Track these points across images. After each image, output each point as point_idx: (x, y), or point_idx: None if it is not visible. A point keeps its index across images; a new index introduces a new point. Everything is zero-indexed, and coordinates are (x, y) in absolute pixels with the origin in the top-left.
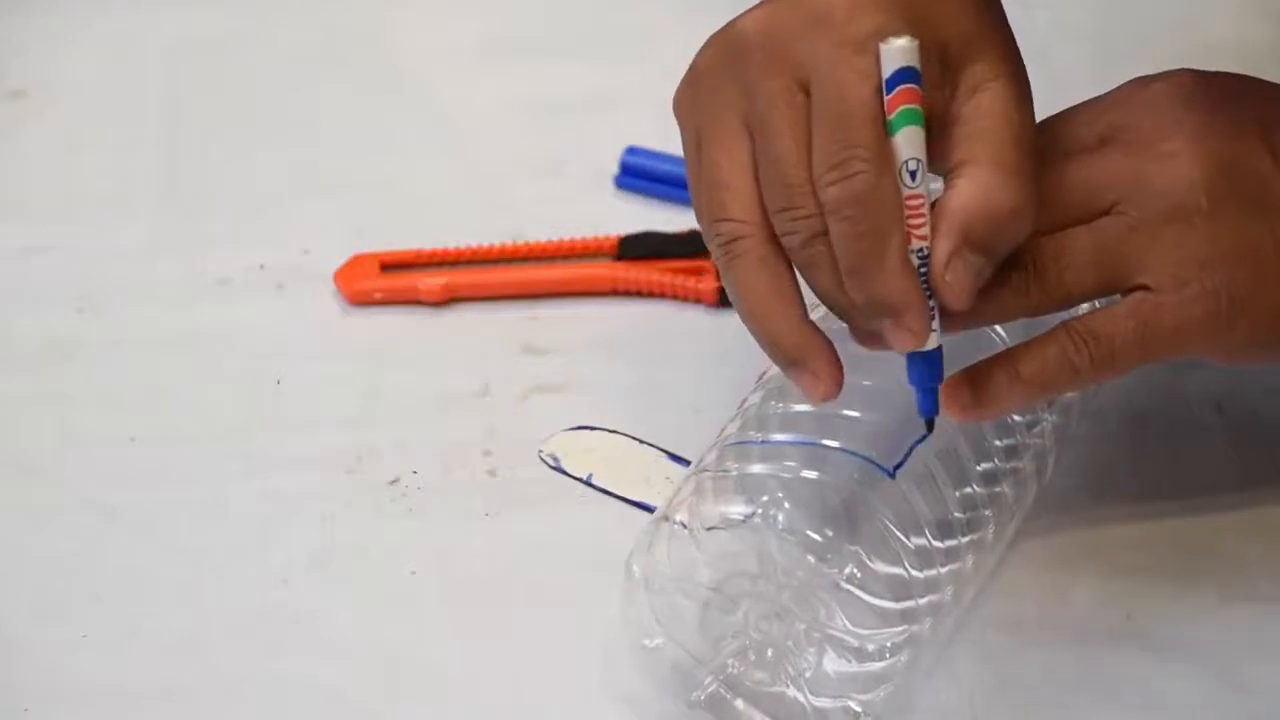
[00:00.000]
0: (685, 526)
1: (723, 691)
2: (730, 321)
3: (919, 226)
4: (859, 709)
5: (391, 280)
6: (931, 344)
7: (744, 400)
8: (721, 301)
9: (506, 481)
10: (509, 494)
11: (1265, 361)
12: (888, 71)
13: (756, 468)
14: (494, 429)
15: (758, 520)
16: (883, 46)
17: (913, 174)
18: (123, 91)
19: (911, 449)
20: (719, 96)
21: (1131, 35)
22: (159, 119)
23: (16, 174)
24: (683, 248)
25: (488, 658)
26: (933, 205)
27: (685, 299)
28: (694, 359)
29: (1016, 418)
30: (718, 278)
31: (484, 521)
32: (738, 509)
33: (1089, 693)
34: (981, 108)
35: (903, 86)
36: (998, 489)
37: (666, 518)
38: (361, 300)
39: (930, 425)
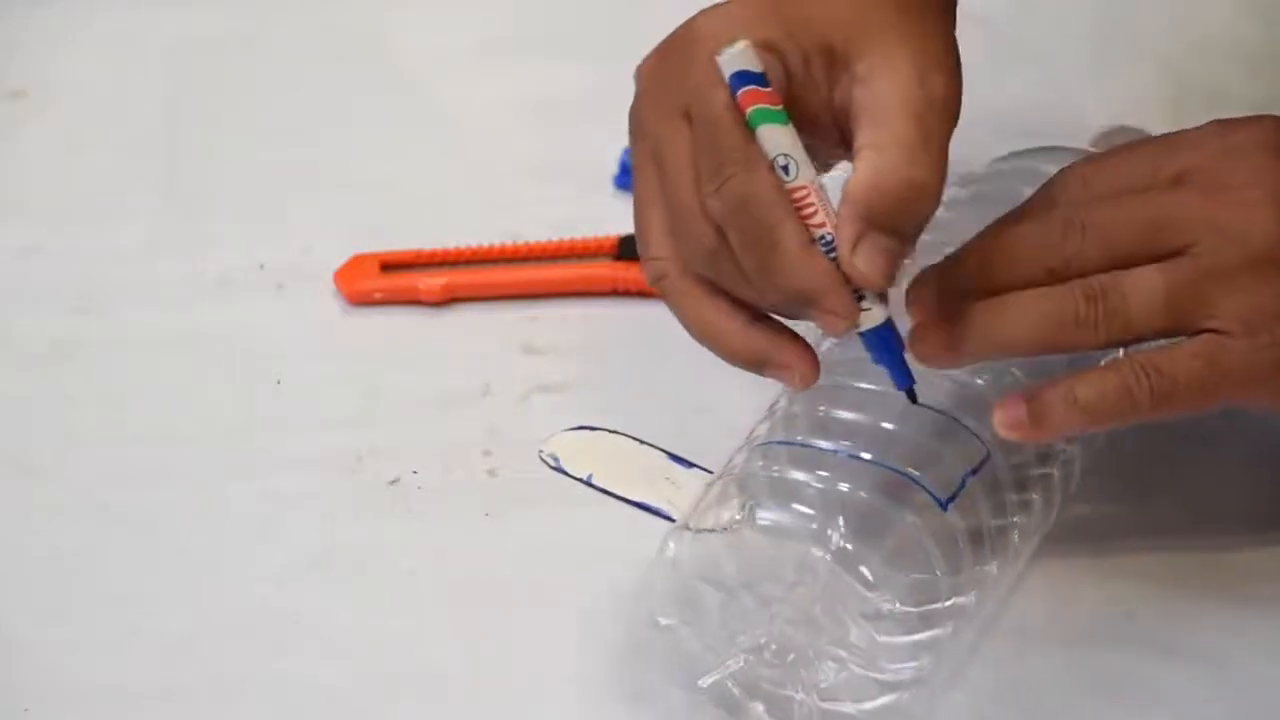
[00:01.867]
0: (732, 522)
1: (730, 684)
2: None
3: (811, 216)
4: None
5: (391, 280)
6: (872, 321)
7: (776, 401)
8: None
9: (506, 482)
10: (509, 494)
11: None
12: (726, 77)
13: (800, 474)
14: (494, 429)
15: (799, 529)
16: (717, 58)
17: (785, 169)
18: (123, 91)
19: (965, 482)
20: (635, 142)
21: (1127, 35)
22: (159, 119)
23: (16, 174)
24: None
25: (487, 658)
26: None
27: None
28: (694, 359)
29: None
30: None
31: (484, 521)
32: (779, 514)
33: (1094, 696)
34: (877, 93)
35: (746, 89)
36: (1028, 496)
37: (707, 511)
38: (361, 300)
39: (911, 395)
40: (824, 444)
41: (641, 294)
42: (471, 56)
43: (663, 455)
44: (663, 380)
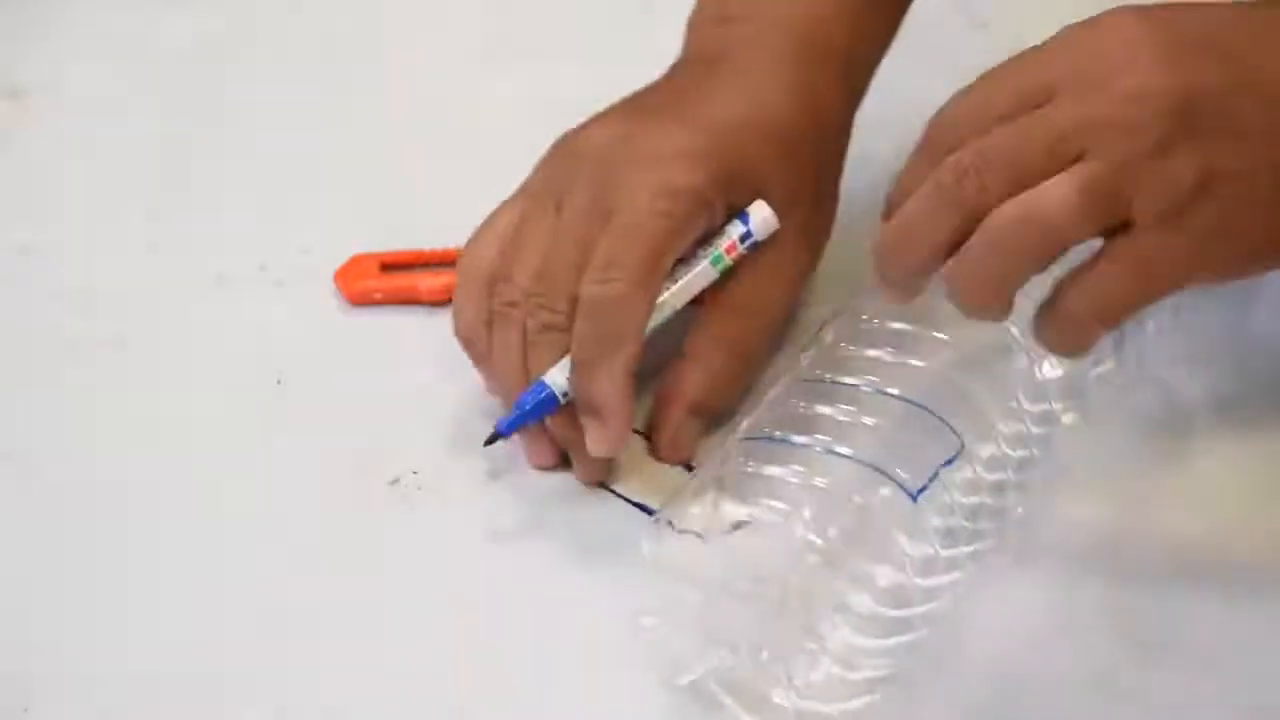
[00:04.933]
0: (701, 520)
1: (710, 683)
2: None
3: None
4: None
5: (391, 280)
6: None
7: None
8: None
9: (507, 482)
10: (509, 494)
11: (1260, 273)
12: (748, 228)
13: (777, 470)
14: (493, 429)
15: (777, 525)
16: (752, 214)
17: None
18: (123, 91)
19: (936, 473)
20: (555, 170)
21: None
22: (159, 118)
23: (16, 174)
24: None
25: (488, 658)
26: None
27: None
28: None
29: (1034, 429)
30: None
31: (484, 522)
32: (757, 511)
33: (1090, 696)
34: (734, 295)
35: (745, 244)
36: (1005, 502)
37: (685, 508)
38: (361, 300)
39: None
40: (800, 439)
41: None
42: (471, 56)
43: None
44: (661, 380)
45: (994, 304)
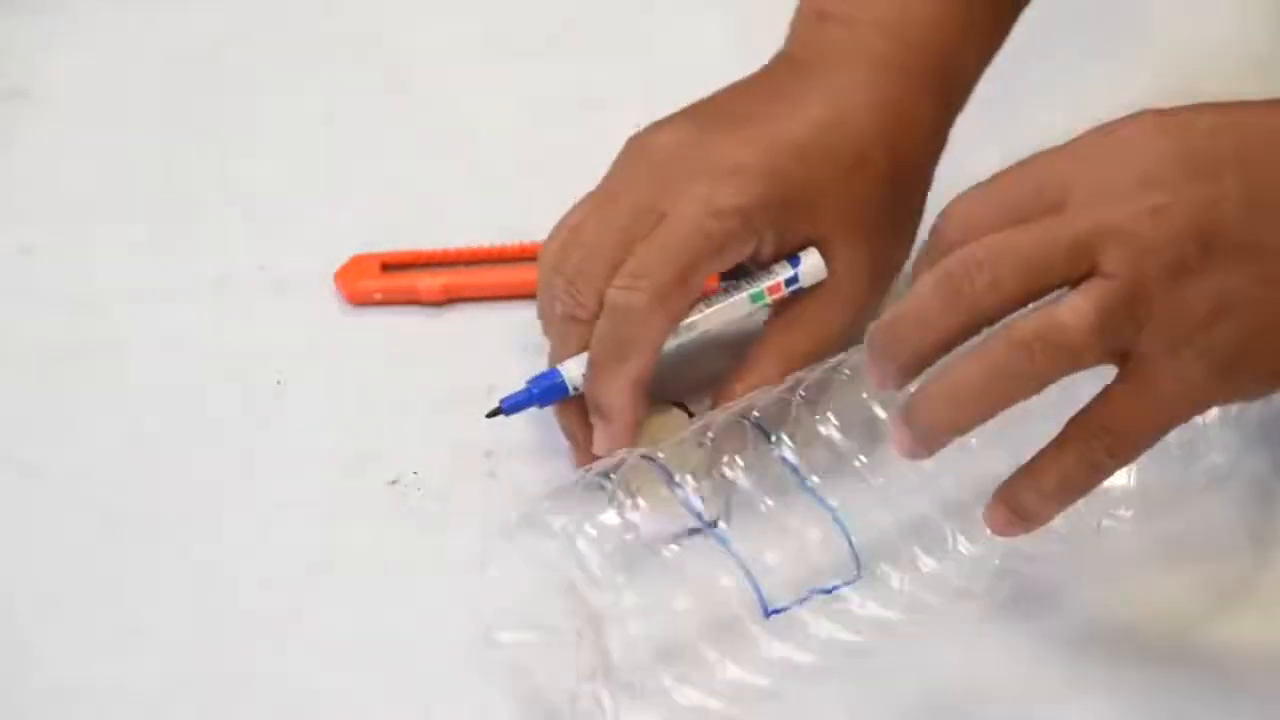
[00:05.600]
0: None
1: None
2: None
3: None
4: None
5: (391, 280)
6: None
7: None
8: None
9: (507, 482)
10: (509, 495)
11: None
12: (796, 271)
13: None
14: (494, 430)
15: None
16: (805, 254)
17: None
18: (122, 92)
19: (806, 597)
20: (609, 183)
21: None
22: (159, 118)
23: (16, 174)
24: None
25: (487, 658)
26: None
27: None
28: (693, 359)
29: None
30: (716, 278)
31: (484, 522)
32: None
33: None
34: (794, 311)
35: (790, 288)
36: (869, 643)
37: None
38: (361, 300)
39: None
40: (695, 505)
41: None
42: (471, 56)
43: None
44: (661, 380)
45: (952, 430)
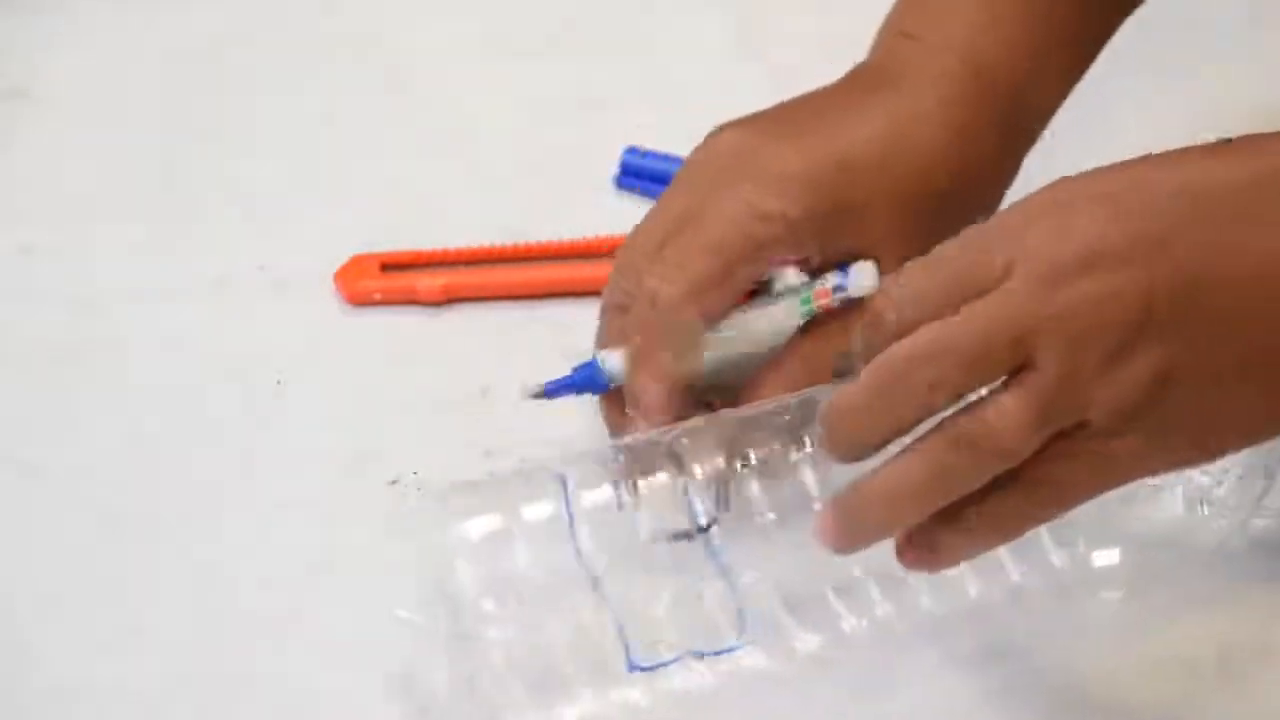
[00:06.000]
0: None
1: None
2: None
3: None
4: None
5: (391, 280)
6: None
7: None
8: None
9: None
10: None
11: (1236, 451)
12: (844, 281)
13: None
14: (494, 429)
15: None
16: (857, 266)
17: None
18: (122, 92)
19: (676, 659)
20: (676, 178)
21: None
22: (159, 119)
23: (16, 174)
24: None
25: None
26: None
27: None
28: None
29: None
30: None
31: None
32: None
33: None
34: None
35: (837, 295)
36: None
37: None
38: (361, 300)
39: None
40: (596, 568)
41: None
42: (471, 56)
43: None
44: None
45: (885, 530)
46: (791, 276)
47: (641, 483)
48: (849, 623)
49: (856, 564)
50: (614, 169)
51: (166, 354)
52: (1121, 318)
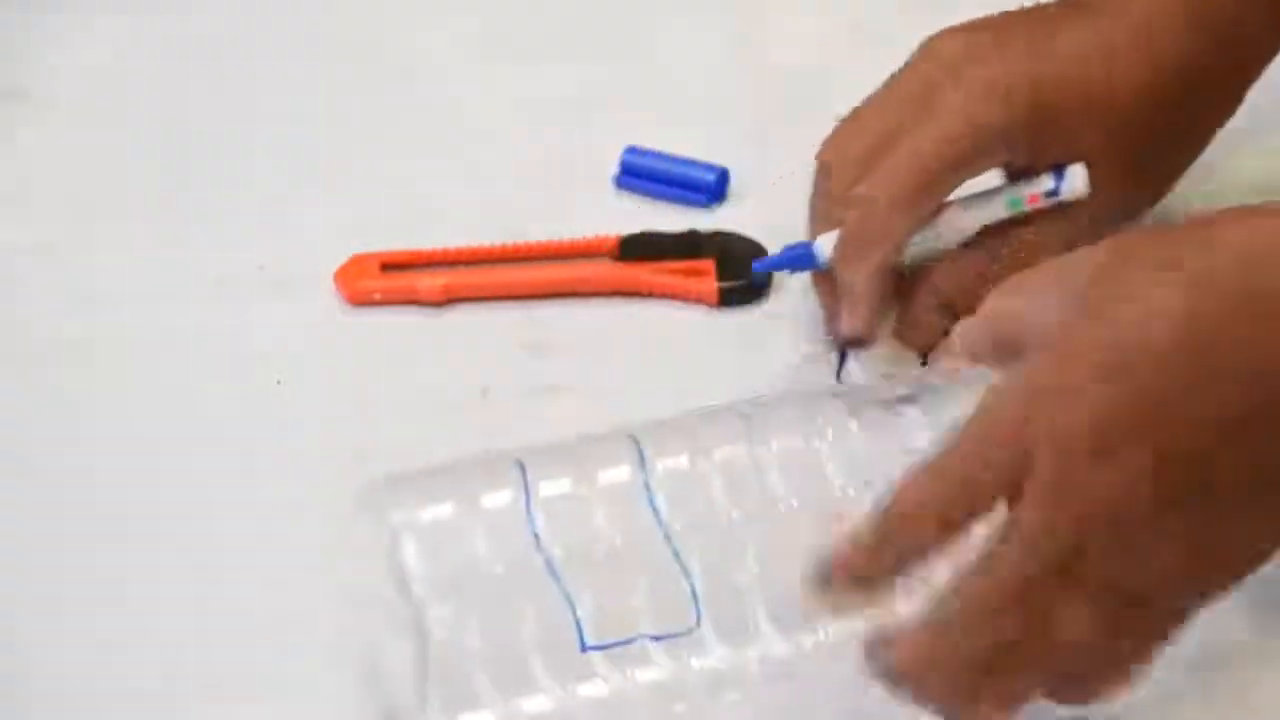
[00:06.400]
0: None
1: None
2: (730, 321)
3: None
4: None
5: (391, 280)
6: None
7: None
8: (721, 302)
9: None
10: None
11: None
12: (1058, 185)
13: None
14: (494, 430)
15: None
16: (1073, 170)
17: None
18: (123, 91)
19: (630, 641)
20: (892, 78)
21: None
22: (159, 118)
23: (16, 174)
24: (683, 248)
25: None
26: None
27: (685, 299)
28: (694, 359)
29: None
30: (718, 278)
31: None
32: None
33: None
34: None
35: (1048, 199)
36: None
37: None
38: (361, 300)
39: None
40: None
41: (641, 294)
42: (471, 56)
43: None
44: (663, 380)
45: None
46: (994, 178)
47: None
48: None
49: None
50: (614, 169)
51: (166, 354)
52: (1138, 508)
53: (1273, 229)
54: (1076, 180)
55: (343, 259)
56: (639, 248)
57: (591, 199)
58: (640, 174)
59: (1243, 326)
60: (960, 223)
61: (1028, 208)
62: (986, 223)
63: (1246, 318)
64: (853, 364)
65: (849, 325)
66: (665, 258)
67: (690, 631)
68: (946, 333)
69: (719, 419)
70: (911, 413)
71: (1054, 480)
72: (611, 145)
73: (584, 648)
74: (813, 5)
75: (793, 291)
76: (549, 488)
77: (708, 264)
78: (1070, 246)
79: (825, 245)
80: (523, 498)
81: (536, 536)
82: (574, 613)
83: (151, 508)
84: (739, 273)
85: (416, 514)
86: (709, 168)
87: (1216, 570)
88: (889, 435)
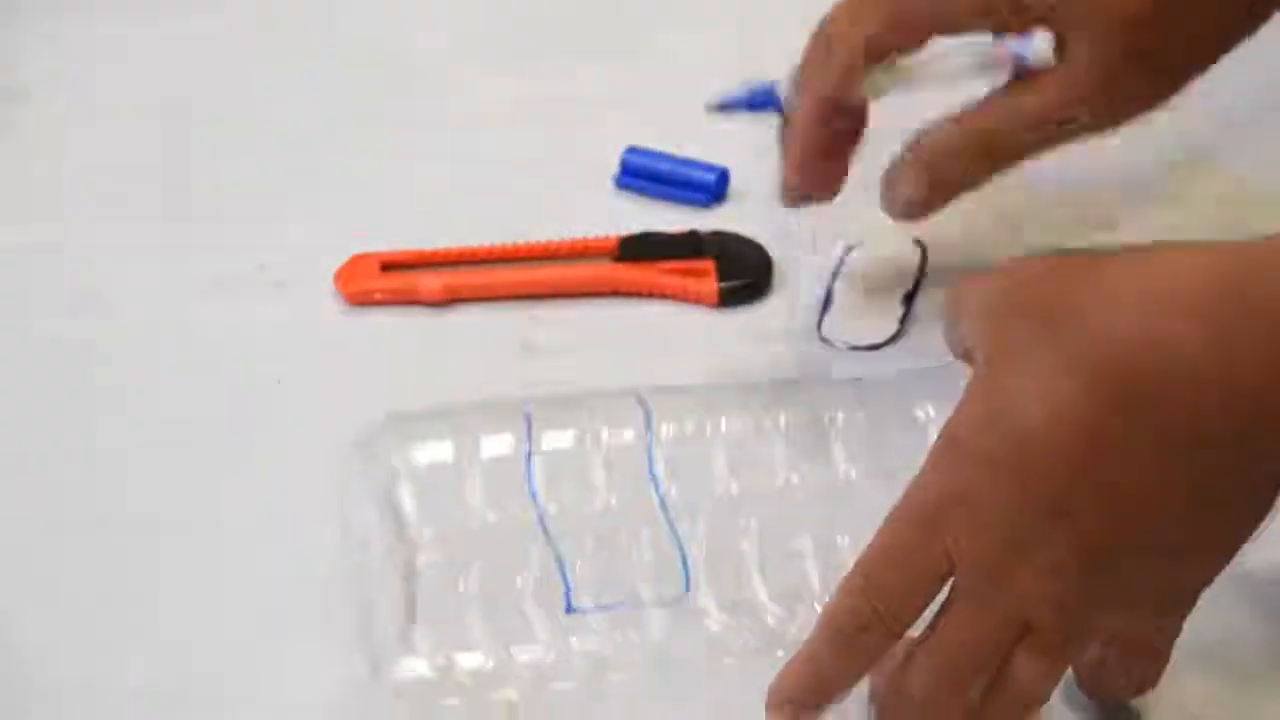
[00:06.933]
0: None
1: None
2: (730, 321)
3: None
4: None
5: (391, 280)
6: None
7: None
8: (721, 302)
9: None
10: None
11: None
12: (1024, 49)
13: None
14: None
15: None
16: (1039, 36)
17: None
18: (123, 91)
19: (610, 608)
20: None
21: None
22: (159, 119)
23: (17, 174)
24: (683, 248)
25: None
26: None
27: (685, 299)
28: (694, 359)
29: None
30: (718, 278)
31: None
32: None
33: None
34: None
35: (1015, 60)
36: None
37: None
38: (361, 300)
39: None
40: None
41: (641, 294)
42: (472, 56)
43: None
44: (663, 380)
45: None
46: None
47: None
48: (807, 588)
49: (806, 534)
50: (614, 169)
51: (166, 354)
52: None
53: (1166, 312)
54: (1041, 45)
55: (343, 259)
56: (639, 248)
57: (591, 199)
58: (640, 174)
59: (1130, 403)
60: (920, 69)
61: (995, 68)
62: (955, 79)
63: (1137, 406)
64: (833, 319)
65: (787, 164)
66: (665, 258)
67: (679, 600)
68: (927, 203)
69: (729, 390)
70: (917, 390)
71: (974, 589)
72: (611, 145)
73: (569, 609)
74: (813, 6)
75: (793, 292)
76: (552, 440)
77: (708, 264)
78: (1046, 116)
79: (786, 82)
80: (525, 448)
81: (534, 493)
82: (563, 573)
83: (151, 507)
84: (739, 273)
85: (415, 455)
86: (709, 168)
87: (1166, 602)
88: (896, 421)
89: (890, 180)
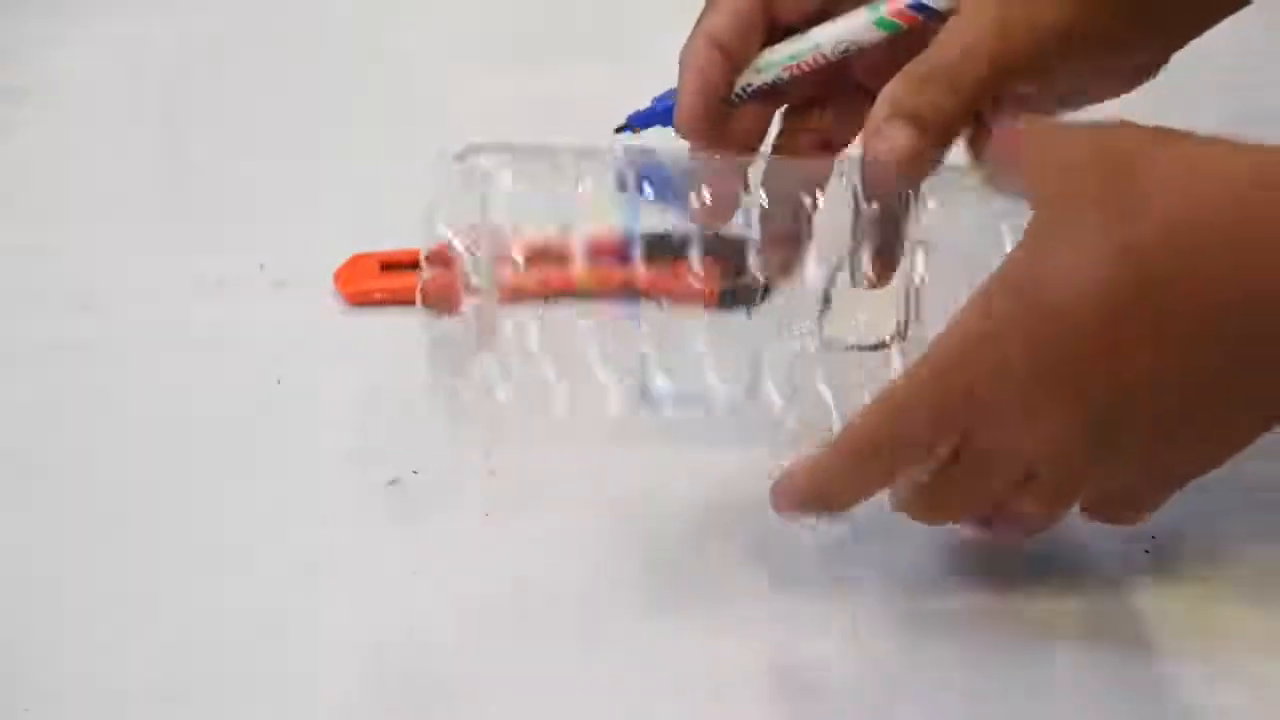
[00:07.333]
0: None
1: None
2: (730, 321)
3: None
4: None
5: (391, 280)
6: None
7: None
8: (721, 302)
9: (507, 481)
10: (509, 494)
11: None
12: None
13: None
14: (494, 429)
15: None
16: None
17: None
18: (123, 91)
19: (673, 404)
20: None
21: None
22: (159, 119)
23: (16, 174)
24: (682, 248)
25: (487, 658)
26: None
27: (685, 299)
28: (694, 359)
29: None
30: (717, 278)
31: (484, 521)
32: None
33: None
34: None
35: (913, 7)
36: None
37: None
38: (361, 300)
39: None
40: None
41: (641, 294)
42: (471, 56)
43: None
44: (660, 382)
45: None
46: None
47: None
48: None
49: None
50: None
51: (166, 353)
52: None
53: (1207, 198)
54: None
55: (343, 259)
56: (640, 248)
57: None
58: (641, 174)
59: (1159, 299)
60: (822, 36)
61: (897, 23)
62: (855, 41)
63: (1157, 299)
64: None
65: (679, 111)
66: (666, 258)
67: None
68: (915, 170)
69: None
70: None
71: (989, 447)
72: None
73: (644, 394)
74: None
75: (793, 292)
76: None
77: (707, 264)
78: (948, 64)
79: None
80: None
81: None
82: (644, 360)
83: (151, 508)
84: (739, 273)
85: (508, 174)
86: None
87: (1156, 481)
88: None
89: (873, 129)
